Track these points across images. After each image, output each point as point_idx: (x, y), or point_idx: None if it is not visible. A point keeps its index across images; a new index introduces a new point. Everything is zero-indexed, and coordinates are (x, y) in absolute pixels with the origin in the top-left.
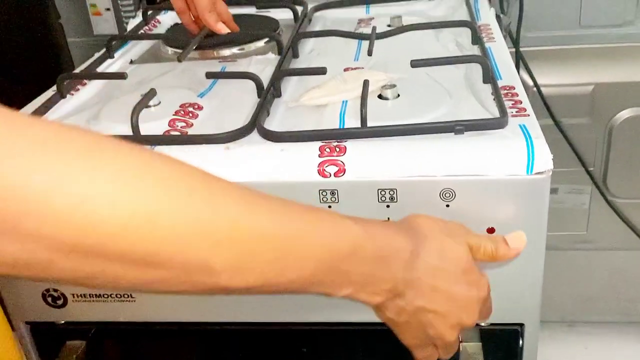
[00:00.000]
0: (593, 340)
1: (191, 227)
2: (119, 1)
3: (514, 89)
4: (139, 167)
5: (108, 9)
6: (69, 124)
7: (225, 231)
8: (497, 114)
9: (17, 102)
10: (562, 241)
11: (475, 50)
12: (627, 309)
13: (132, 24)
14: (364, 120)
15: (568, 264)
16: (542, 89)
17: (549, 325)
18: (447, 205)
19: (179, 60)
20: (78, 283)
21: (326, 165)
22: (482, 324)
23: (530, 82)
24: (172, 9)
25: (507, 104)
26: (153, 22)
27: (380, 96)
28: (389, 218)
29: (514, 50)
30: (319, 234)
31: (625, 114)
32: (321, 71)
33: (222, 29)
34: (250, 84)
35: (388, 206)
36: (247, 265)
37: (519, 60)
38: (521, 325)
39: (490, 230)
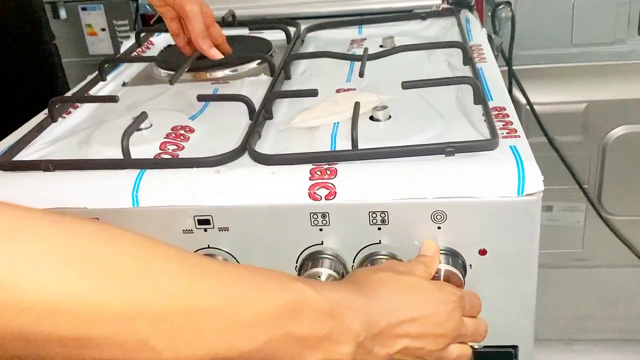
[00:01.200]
0: (591, 358)
1: (126, 308)
2: (114, 21)
3: (505, 109)
4: (68, 246)
5: (103, 29)
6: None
7: (163, 308)
8: (488, 136)
9: (11, 123)
10: (557, 259)
11: (466, 71)
12: (624, 326)
13: (125, 46)
14: (354, 142)
15: (564, 282)
16: (536, 107)
17: (546, 344)
18: (439, 227)
19: (171, 83)
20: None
21: (317, 188)
22: (476, 347)
23: (524, 101)
24: (165, 31)
25: (498, 125)
26: (146, 44)
27: (372, 117)
28: (380, 241)
29: (506, 68)
30: (266, 299)
31: (618, 131)
32: (313, 93)
33: (216, 55)
34: (242, 106)
35: (379, 229)
36: (191, 340)
37: (512, 78)
38: (515, 347)
39: (482, 252)
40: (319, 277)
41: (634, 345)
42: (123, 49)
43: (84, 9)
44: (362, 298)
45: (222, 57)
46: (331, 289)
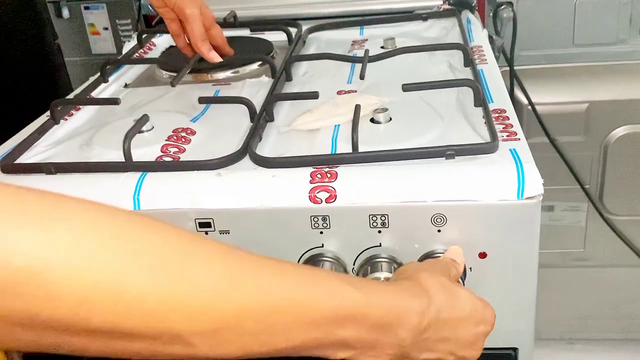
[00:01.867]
0: (593, 357)
1: (162, 303)
2: (117, 21)
3: (505, 112)
4: (104, 233)
5: (106, 29)
6: (29, 187)
7: (200, 305)
8: (488, 138)
9: (15, 121)
10: (559, 259)
11: (467, 72)
12: (626, 325)
13: (127, 47)
14: (355, 145)
15: (566, 282)
16: (537, 107)
17: (549, 343)
18: (439, 230)
19: (172, 85)
20: (44, 351)
21: (317, 191)
22: None
23: (525, 101)
24: (167, 32)
25: (498, 127)
26: (148, 45)
27: (372, 120)
28: (381, 243)
29: (508, 68)
30: (311, 304)
31: (620, 131)
32: (313, 95)
33: (215, 58)
34: (244, 108)
35: (380, 231)
36: (226, 338)
37: (513, 79)
38: (515, 349)
39: (482, 255)
40: None
41: (635, 345)
42: (125, 49)
43: (86, 8)
44: (419, 300)
45: (221, 60)
46: (382, 291)
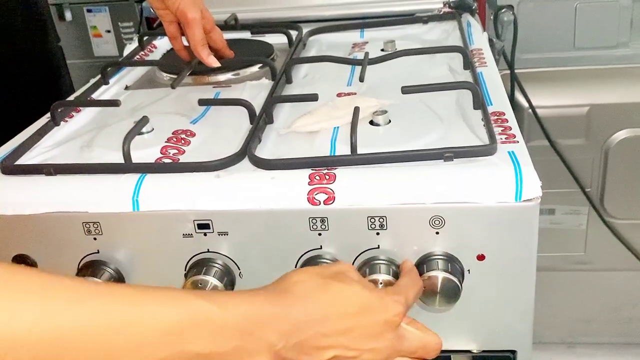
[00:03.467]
0: None
1: (29, 333)
2: (119, 23)
3: (504, 114)
4: None
5: (108, 31)
6: None
7: (21, 337)
8: (487, 141)
9: (17, 124)
10: (560, 262)
11: (467, 75)
12: (627, 329)
13: (128, 49)
14: (353, 147)
15: (566, 285)
16: (538, 110)
17: (549, 347)
18: (437, 232)
19: (172, 87)
20: None
21: (316, 193)
22: (474, 351)
23: (526, 104)
24: None
25: (497, 130)
26: (149, 47)
27: (371, 122)
28: (379, 245)
29: (509, 72)
30: (150, 320)
31: (621, 134)
32: (313, 98)
33: (213, 63)
34: (244, 110)
35: (378, 233)
36: None
37: (514, 82)
38: (513, 352)
39: (480, 257)
40: None
41: (636, 349)
42: (126, 52)
43: (89, 10)
44: (279, 308)
45: (220, 65)
46: (241, 301)
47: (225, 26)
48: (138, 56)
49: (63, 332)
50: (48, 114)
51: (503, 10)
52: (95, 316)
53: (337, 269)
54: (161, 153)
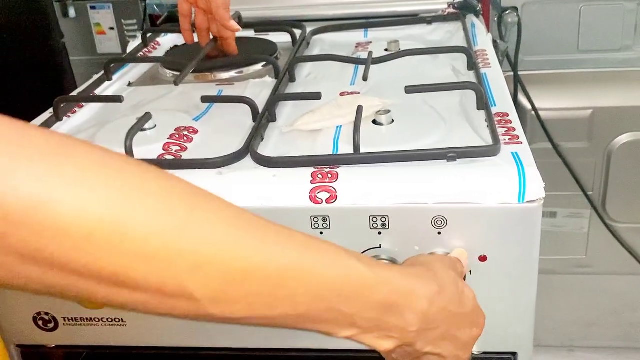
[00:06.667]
0: None
1: (166, 247)
2: (122, 21)
3: (508, 115)
4: (110, 170)
5: (112, 28)
6: (36, 125)
7: (205, 256)
8: (490, 142)
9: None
10: (561, 265)
11: (470, 76)
12: (628, 333)
13: (131, 46)
14: (356, 146)
15: (567, 289)
16: (541, 113)
17: (549, 350)
18: (439, 233)
19: (176, 84)
20: (52, 295)
21: (318, 191)
22: (475, 353)
23: (529, 106)
24: (171, 31)
25: (500, 131)
26: (153, 44)
27: (374, 121)
28: (381, 245)
29: (512, 74)
30: (317, 272)
31: (624, 138)
32: (316, 96)
33: (235, 26)
34: (246, 108)
35: (380, 233)
36: (230, 295)
37: (517, 84)
38: (514, 354)
39: (482, 258)
40: None
41: (636, 353)
42: (129, 49)
43: (93, 7)
44: (429, 286)
45: (240, 29)
46: (393, 271)
47: None
48: (141, 53)
49: (246, 261)
50: (50, 110)
51: (507, 12)
52: (261, 255)
53: (455, 264)
54: (163, 150)
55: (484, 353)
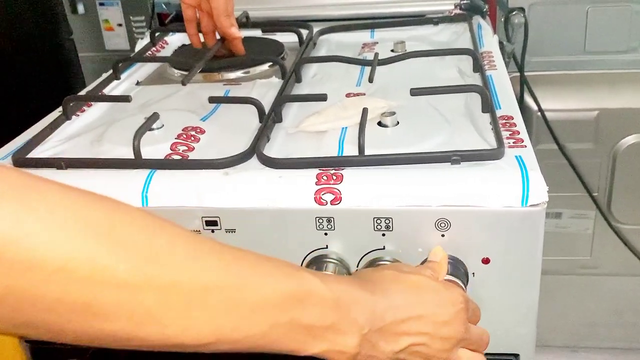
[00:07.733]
0: None
1: (132, 276)
2: (131, 17)
3: (513, 119)
4: (76, 211)
5: (120, 25)
6: (7, 165)
7: (168, 280)
8: (494, 144)
9: (29, 116)
10: (565, 266)
11: (476, 78)
12: (631, 334)
13: (139, 45)
14: (361, 148)
15: (572, 289)
16: (547, 114)
17: (553, 350)
18: (443, 235)
19: (183, 84)
20: (20, 333)
21: (323, 193)
22: None
23: (535, 107)
24: (179, 31)
25: (505, 134)
26: (161, 43)
27: (380, 123)
28: (384, 246)
29: (518, 74)
30: (271, 283)
31: (629, 139)
32: (322, 98)
33: (236, 33)
34: (253, 108)
35: (384, 235)
36: (197, 317)
37: (524, 85)
38: (516, 355)
39: (485, 261)
40: None
41: (639, 355)
42: (138, 47)
43: (101, 4)
44: (367, 293)
45: (241, 36)
46: (337, 281)
47: (237, 24)
48: (149, 52)
49: (206, 281)
50: (60, 108)
51: (514, 13)
52: (221, 272)
53: (412, 268)
54: (171, 149)
55: (486, 354)
